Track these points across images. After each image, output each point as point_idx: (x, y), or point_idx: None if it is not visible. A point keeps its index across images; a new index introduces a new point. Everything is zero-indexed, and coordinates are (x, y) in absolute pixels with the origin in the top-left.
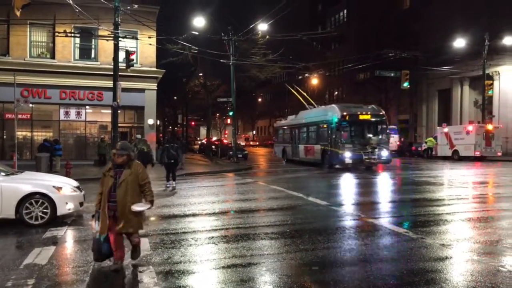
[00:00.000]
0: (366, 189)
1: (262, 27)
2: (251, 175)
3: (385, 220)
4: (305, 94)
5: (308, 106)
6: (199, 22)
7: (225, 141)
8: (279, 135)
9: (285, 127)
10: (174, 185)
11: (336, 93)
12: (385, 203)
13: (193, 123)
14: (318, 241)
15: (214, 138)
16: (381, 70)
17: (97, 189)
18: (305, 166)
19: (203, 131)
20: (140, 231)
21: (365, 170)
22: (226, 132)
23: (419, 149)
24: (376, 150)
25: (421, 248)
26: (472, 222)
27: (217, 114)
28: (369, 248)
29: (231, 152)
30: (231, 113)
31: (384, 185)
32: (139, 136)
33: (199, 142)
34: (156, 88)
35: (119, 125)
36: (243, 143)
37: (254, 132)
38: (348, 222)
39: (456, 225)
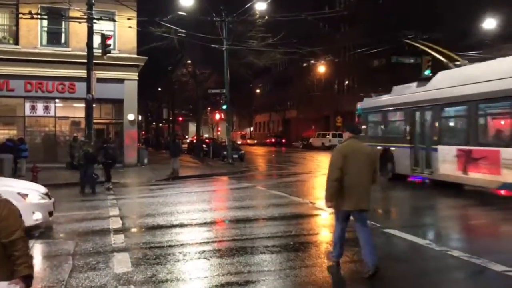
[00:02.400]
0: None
1: (260, 6)
2: (248, 178)
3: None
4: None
5: (451, 63)
6: (186, 0)
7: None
8: (369, 126)
9: (391, 109)
10: (109, 185)
11: (347, 82)
12: None
13: (180, 118)
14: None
15: (205, 136)
16: (398, 56)
17: (71, 195)
18: (465, 196)
19: (192, 127)
20: (120, 245)
21: None
22: (219, 129)
23: None
24: None
25: None
26: None
27: (209, 108)
28: (398, 267)
29: (225, 152)
30: (224, 107)
31: None
32: (82, 138)
33: (188, 141)
34: (137, 78)
35: (95, 121)
36: (239, 142)
37: (252, 128)
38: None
39: None
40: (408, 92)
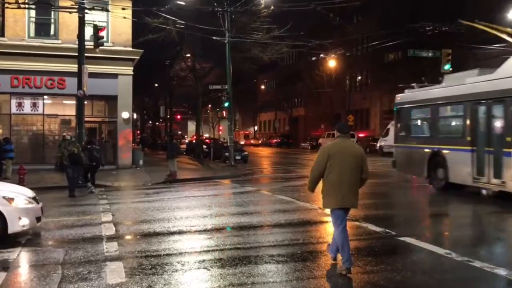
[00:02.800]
0: None
1: None
2: (252, 182)
3: None
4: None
5: None
6: None
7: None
8: (412, 124)
9: (443, 102)
10: (92, 189)
11: (359, 78)
12: None
13: (178, 116)
14: (338, 265)
15: (206, 136)
16: (415, 49)
17: (60, 200)
18: None
19: (191, 126)
20: (113, 254)
21: None
22: (221, 128)
23: None
24: None
25: None
26: None
27: (209, 106)
28: (408, 275)
29: (227, 154)
30: (226, 104)
31: None
32: (68, 136)
33: (187, 141)
34: (132, 73)
35: (86, 119)
36: (242, 142)
37: (256, 128)
38: (374, 241)
39: None
40: (469, 82)
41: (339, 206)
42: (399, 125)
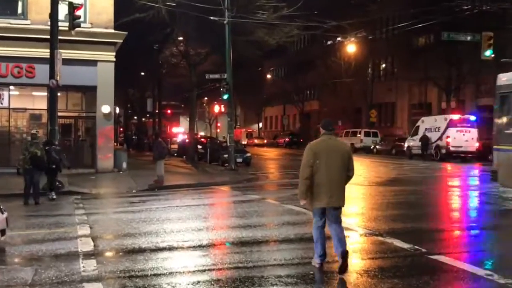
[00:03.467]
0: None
1: None
2: (256, 189)
3: None
4: None
5: None
6: None
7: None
8: None
9: None
10: (53, 196)
11: (384, 65)
12: None
13: (169, 111)
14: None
15: (201, 134)
16: (450, 32)
17: (28, 209)
18: None
19: (184, 123)
20: (91, 273)
21: None
22: (219, 125)
23: None
24: None
25: None
26: None
27: (205, 99)
28: None
29: (226, 155)
30: (225, 97)
31: None
32: (36, 132)
33: (178, 140)
34: (114, 59)
35: (60, 114)
36: (244, 142)
37: (260, 124)
38: (401, 259)
39: None
40: None
41: (325, 205)
42: (505, 118)
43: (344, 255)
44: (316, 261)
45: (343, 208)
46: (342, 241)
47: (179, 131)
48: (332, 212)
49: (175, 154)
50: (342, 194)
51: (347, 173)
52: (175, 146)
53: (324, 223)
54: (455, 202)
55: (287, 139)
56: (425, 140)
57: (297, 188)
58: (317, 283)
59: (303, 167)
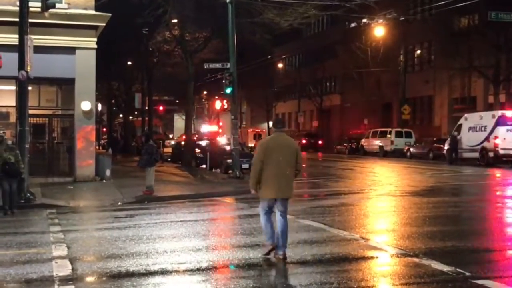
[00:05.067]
0: None
1: None
2: None
3: None
4: None
5: None
6: None
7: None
8: None
9: None
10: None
11: (419, 52)
12: None
13: (161, 108)
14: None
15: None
16: (499, 12)
17: None
18: None
19: (179, 122)
20: None
21: None
22: (220, 124)
23: None
24: None
25: None
26: None
27: (204, 93)
28: None
29: (229, 160)
30: (228, 90)
31: None
32: (1, 133)
33: (172, 143)
34: (95, 46)
35: (31, 112)
36: (251, 144)
37: (271, 124)
38: (440, 285)
39: None
40: None
41: (275, 196)
42: None
43: (284, 257)
44: (268, 243)
45: (370, 225)
46: (284, 235)
47: (211, 132)
48: (280, 203)
49: (169, 159)
50: (290, 187)
51: (296, 167)
52: (169, 150)
53: (270, 211)
54: (506, 216)
55: (303, 141)
56: (453, 141)
57: (316, 199)
58: None
59: (255, 161)
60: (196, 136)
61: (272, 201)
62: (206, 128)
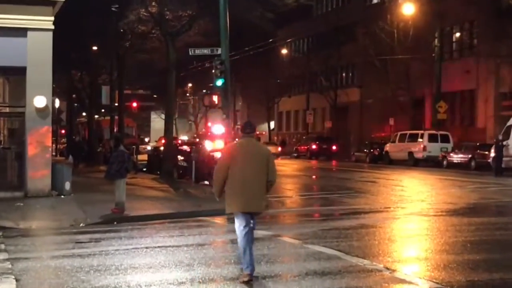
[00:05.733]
0: None
1: None
2: (265, 221)
3: None
4: None
5: None
6: None
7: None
8: None
9: None
10: None
11: (458, 35)
12: None
13: (135, 104)
14: None
15: (183, 139)
16: None
17: None
18: None
19: (157, 122)
20: None
21: None
22: (209, 124)
23: None
24: None
25: None
26: None
27: (189, 86)
28: None
29: None
30: (219, 83)
31: None
32: None
33: (149, 148)
34: (52, 27)
35: None
36: None
37: (272, 124)
38: None
39: None
40: None
41: (242, 210)
42: None
43: (252, 277)
44: (247, 271)
45: (397, 252)
46: (252, 256)
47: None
48: (250, 217)
49: (144, 169)
50: (261, 200)
51: (267, 178)
52: (144, 157)
53: (249, 229)
54: None
55: (312, 146)
56: (499, 147)
57: (329, 219)
58: None
59: (217, 169)
60: (197, 139)
61: (245, 216)
62: (219, 129)
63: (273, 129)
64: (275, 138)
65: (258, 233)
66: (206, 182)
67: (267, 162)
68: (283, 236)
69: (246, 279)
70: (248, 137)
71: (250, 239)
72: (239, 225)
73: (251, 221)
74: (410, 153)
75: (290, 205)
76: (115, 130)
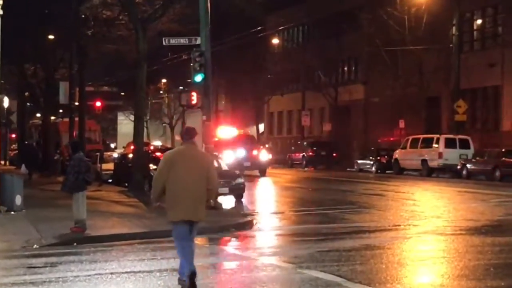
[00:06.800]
0: None
1: None
2: (252, 241)
3: None
4: None
5: None
6: None
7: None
8: None
9: None
10: None
11: (479, 22)
12: None
13: (99, 103)
14: None
15: (156, 144)
16: None
17: None
18: None
19: (125, 125)
20: None
21: None
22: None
23: None
24: None
25: None
26: None
27: (163, 82)
28: None
29: None
30: (198, 78)
31: None
32: None
33: (115, 155)
34: (0, 12)
35: None
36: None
37: (262, 127)
38: None
39: None
40: None
41: (182, 218)
42: None
43: (192, 276)
44: (184, 280)
45: (408, 278)
46: (190, 260)
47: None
48: (190, 226)
49: (110, 180)
50: (201, 208)
51: (208, 186)
52: (110, 166)
53: (188, 238)
54: None
55: (309, 153)
56: None
57: (328, 240)
58: None
59: (155, 177)
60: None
61: (185, 224)
62: (228, 131)
63: (262, 132)
64: (266, 143)
65: (245, 255)
66: None
67: (207, 169)
68: (276, 259)
69: (185, 283)
70: (189, 143)
71: (189, 249)
72: (177, 235)
73: (191, 230)
74: (424, 161)
75: (283, 222)
76: (74, 134)
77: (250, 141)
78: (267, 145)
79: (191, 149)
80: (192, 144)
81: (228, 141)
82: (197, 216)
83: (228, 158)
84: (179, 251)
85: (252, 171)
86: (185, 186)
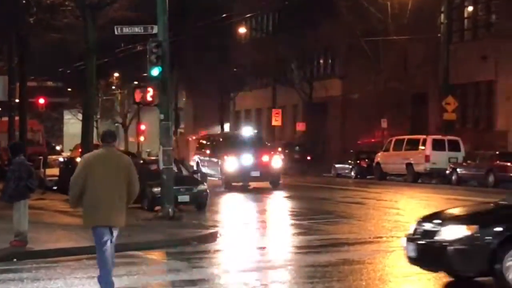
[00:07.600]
0: None
1: None
2: (215, 256)
3: None
4: None
5: None
6: None
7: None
8: None
9: None
10: None
11: (470, 9)
12: None
13: (42, 100)
14: None
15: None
16: None
17: None
18: None
19: (72, 124)
20: None
21: None
22: (143, 128)
23: None
24: None
25: None
26: None
27: (115, 76)
28: None
29: (156, 189)
30: (155, 72)
31: None
32: None
33: (61, 159)
34: None
35: None
36: (195, 160)
37: (227, 126)
38: None
39: None
40: None
41: (101, 224)
42: None
43: None
44: None
45: None
46: (110, 270)
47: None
48: (109, 232)
49: (55, 187)
50: (119, 213)
51: (128, 189)
52: (55, 172)
53: (109, 246)
54: None
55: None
56: None
57: (302, 253)
58: None
59: (73, 180)
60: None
61: (104, 230)
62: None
63: None
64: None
65: (208, 272)
66: (137, 205)
67: (128, 173)
68: (239, 277)
69: None
70: (109, 146)
71: (108, 257)
72: (98, 240)
73: (111, 236)
74: (409, 165)
75: (253, 231)
76: (14, 135)
77: (258, 143)
78: (279, 148)
79: (110, 151)
80: (113, 147)
81: (229, 143)
82: (117, 222)
83: (230, 166)
84: (100, 257)
85: (262, 182)
86: (104, 191)
